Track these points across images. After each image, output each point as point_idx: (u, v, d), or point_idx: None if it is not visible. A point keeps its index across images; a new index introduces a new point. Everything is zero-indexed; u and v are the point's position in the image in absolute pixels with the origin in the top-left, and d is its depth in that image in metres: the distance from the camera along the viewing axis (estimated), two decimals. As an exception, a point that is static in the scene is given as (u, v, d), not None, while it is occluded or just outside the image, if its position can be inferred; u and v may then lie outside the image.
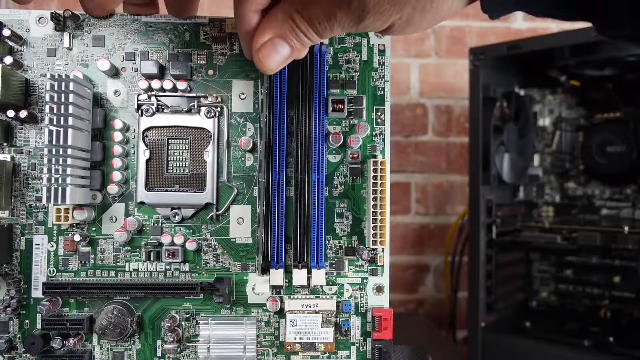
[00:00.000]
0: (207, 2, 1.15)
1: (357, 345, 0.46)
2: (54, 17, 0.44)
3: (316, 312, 0.44)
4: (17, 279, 0.44)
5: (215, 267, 0.45)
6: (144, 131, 0.45)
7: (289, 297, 0.45)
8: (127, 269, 0.45)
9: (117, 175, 0.44)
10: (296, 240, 0.44)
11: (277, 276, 0.44)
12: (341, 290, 0.46)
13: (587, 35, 0.77)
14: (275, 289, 0.45)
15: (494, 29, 1.23)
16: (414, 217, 1.23)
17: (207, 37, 0.46)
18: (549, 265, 1.01)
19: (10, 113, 0.42)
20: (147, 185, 0.45)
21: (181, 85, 0.45)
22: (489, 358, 0.87)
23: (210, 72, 0.46)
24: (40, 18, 0.45)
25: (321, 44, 0.44)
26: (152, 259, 0.45)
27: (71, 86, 0.40)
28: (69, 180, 0.40)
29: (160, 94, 0.45)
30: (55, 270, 0.44)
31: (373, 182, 0.43)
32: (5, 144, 0.44)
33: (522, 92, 1.00)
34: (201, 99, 0.45)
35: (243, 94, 0.46)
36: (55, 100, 0.40)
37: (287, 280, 0.45)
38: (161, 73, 0.45)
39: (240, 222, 0.45)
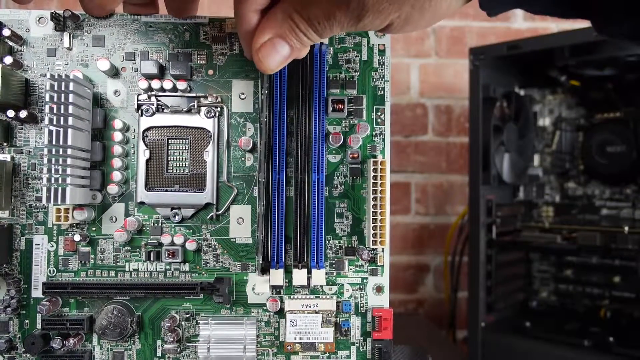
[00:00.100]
0: (207, 2, 1.15)
1: (357, 345, 0.46)
2: (54, 17, 0.44)
3: (316, 312, 0.44)
4: (17, 279, 0.44)
5: (215, 267, 0.45)
6: (144, 131, 0.45)
7: (289, 297, 0.45)
8: (127, 269, 0.45)
9: (117, 175, 0.44)
10: (296, 240, 0.44)
11: (277, 276, 0.44)
12: (341, 290, 0.46)
13: (587, 35, 0.77)
14: (275, 289, 0.45)
15: (494, 29, 1.23)
16: (414, 217, 1.23)
17: (207, 37, 0.46)
18: (549, 265, 1.01)
19: (10, 113, 0.42)
20: (147, 185, 0.45)
21: (181, 85, 0.45)
22: (489, 358, 0.87)
23: (210, 72, 0.46)
24: (40, 18, 0.45)
25: (321, 43, 0.44)
26: (152, 259, 0.45)
27: (71, 86, 0.40)
28: (69, 180, 0.40)
29: (160, 94, 0.45)
30: (55, 270, 0.44)
31: (373, 182, 0.43)
32: (5, 144, 0.44)
33: (522, 92, 1.00)
34: (201, 99, 0.45)
35: (243, 94, 0.46)
36: (55, 100, 0.40)
37: (287, 280, 0.45)
38: (161, 73, 0.45)
39: (240, 222, 0.45)
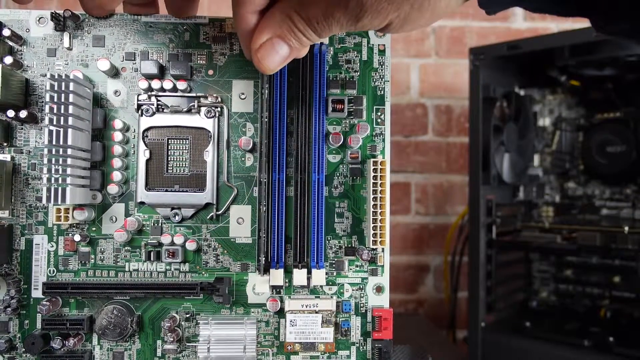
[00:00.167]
0: (207, 2, 1.15)
1: (357, 345, 0.46)
2: (54, 17, 0.44)
3: (316, 312, 0.44)
4: (17, 279, 0.44)
5: (215, 267, 0.45)
6: (144, 131, 0.45)
7: (289, 297, 0.45)
8: (127, 269, 0.45)
9: (117, 175, 0.44)
10: (296, 240, 0.44)
11: (277, 276, 0.44)
12: (341, 290, 0.46)
13: (587, 35, 0.77)
14: (275, 289, 0.45)
15: (494, 29, 1.23)
16: (414, 217, 1.23)
17: (207, 37, 0.46)
18: (549, 265, 1.01)
19: (10, 113, 0.42)
20: (147, 185, 0.45)
21: (181, 85, 0.45)
22: (489, 358, 0.87)
23: (210, 72, 0.46)
24: (40, 18, 0.45)
25: (321, 43, 0.44)
26: (152, 259, 0.45)
27: (71, 86, 0.40)
28: (69, 180, 0.40)
29: (160, 94, 0.45)
30: (55, 270, 0.44)
31: (373, 182, 0.43)
32: (5, 144, 0.44)
33: (522, 92, 1.00)
34: (201, 99, 0.45)
35: (243, 94, 0.46)
36: (55, 100, 0.40)
37: (287, 280, 0.45)
38: (161, 73, 0.45)
39: (240, 222, 0.45)
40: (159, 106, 0.45)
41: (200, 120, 0.45)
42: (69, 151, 0.40)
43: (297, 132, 0.44)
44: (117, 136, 0.45)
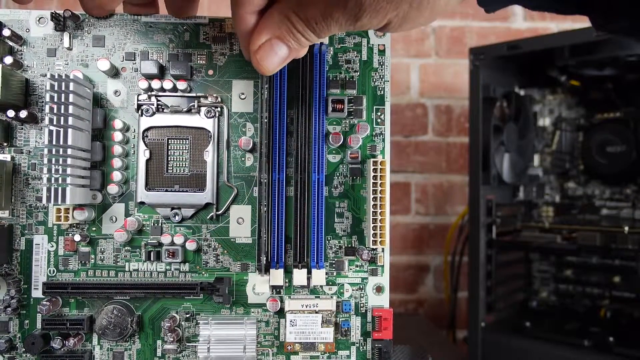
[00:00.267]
0: (207, 2, 1.15)
1: (357, 345, 0.46)
2: (54, 17, 0.44)
3: (316, 312, 0.44)
4: (17, 279, 0.44)
5: (215, 267, 0.45)
6: (144, 131, 0.45)
7: (289, 297, 0.45)
8: (127, 269, 0.45)
9: (117, 175, 0.44)
10: (296, 240, 0.44)
11: (277, 276, 0.44)
12: (341, 290, 0.46)
13: (587, 35, 0.77)
14: (275, 289, 0.45)
15: (494, 29, 1.23)
16: (414, 217, 1.23)
17: (207, 37, 0.46)
18: (549, 265, 1.01)
19: (10, 113, 0.42)
20: (147, 185, 0.45)
21: (181, 85, 0.45)
22: (489, 358, 0.87)
23: (210, 72, 0.46)
24: (40, 18, 0.45)
25: (321, 43, 0.44)
26: (152, 259, 0.45)
27: (71, 86, 0.40)
28: (69, 180, 0.40)
29: (160, 94, 0.45)
30: (55, 270, 0.44)
31: (373, 182, 0.43)
32: (5, 144, 0.44)
33: (522, 92, 1.00)
34: (201, 99, 0.45)
35: (243, 94, 0.46)
36: (55, 100, 0.40)
37: (287, 280, 0.45)
38: (161, 73, 0.45)
39: (240, 222, 0.45)
40: (159, 106, 0.45)
41: (200, 120, 0.45)
42: (69, 151, 0.40)
43: (297, 132, 0.44)
44: (117, 136, 0.45)
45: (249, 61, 0.39)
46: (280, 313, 0.45)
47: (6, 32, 0.43)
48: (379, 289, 0.46)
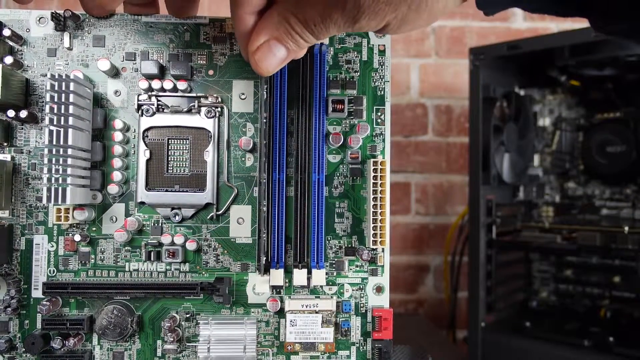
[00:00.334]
0: (207, 2, 1.15)
1: (357, 345, 0.46)
2: (54, 17, 0.44)
3: (316, 312, 0.44)
4: (17, 279, 0.44)
5: (215, 267, 0.45)
6: (144, 131, 0.45)
7: (289, 297, 0.45)
8: (127, 269, 0.45)
9: (117, 175, 0.44)
10: (296, 240, 0.44)
11: (277, 276, 0.44)
12: (341, 290, 0.46)
13: (587, 35, 0.77)
14: (275, 289, 0.45)
15: (494, 29, 1.23)
16: (414, 217, 1.23)
17: (208, 37, 0.46)
18: (549, 265, 1.01)
19: (11, 113, 0.42)
20: (147, 185, 0.45)
21: (181, 85, 0.45)
22: (489, 358, 0.87)
23: (211, 72, 0.46)
24: (40, 18, 0.45)
25: (321, 44, 0.44)
26: (152, 259, 0.45)
27: (71, 86, 0.40)
28: (69, 180, 0.40)
29: (161, 94, 0.45)
30: (55, 270, 0.44)
31: (373, 182, 0.43)
32: (5, 144, 0.44)
33: (522, 92, 1.00)
34: (201, 99, 0.45)
35: (243, 94, 0.46)
36: (56, 100, 0.40)
37: (287, 280, 0.45)
38: (161, 73, 0.45)
39: (241, 222, 0.45)
40: (159, 106, 0.45)
41: (200, 120, 0.45)
42: (69, 151, 0.40)
43: (297, 132, 0.44)
44: (118, 136, 0.45)
45: (248, 61, 0.39)
46: (280, 313, 0.45)
47: (6, 32, 0.43)
48: (379, 289, 0.46)
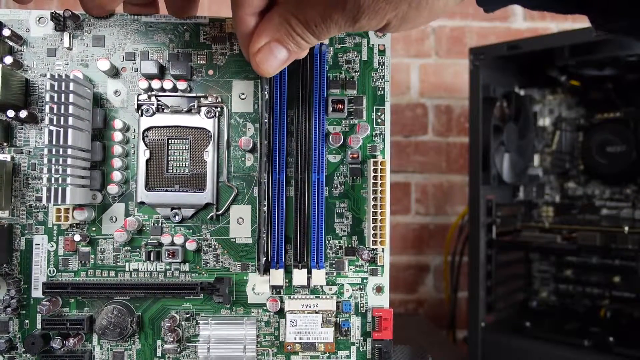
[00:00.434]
0: (207, 2, 1.15)
1: (357, 345, 0.46)
2: (54, 17, 0.44)
3: (316, 312, 0.44)
4: (17, 279, 0.44)
5: (215, 267, 0.45)
6: (144, 131, 0.45)
7: (289, 297, 0.45)
8: (127, 269, 0.45)
9: (117, 175, 0.44)
10: (296, 240, 0.44)
11: (277, 276, 0.44)
12: (341, 290, 0.46)
13: (587, 35, 0.77)
14: (275, 289, 0.45)
15: (494, 29, 1.23)
16: (414, 217, 1.23)
17: (207, 37, 0.46)
18: (549, 265, 1.01)
19: (10, 113, 0.42)
20: (147, 185, 0.45)
21: (181, 85, 0.45)
22: (489, 358, 0.87)
23: (211, 72, 0.46)
24: (40, 18, 0.45)
25: (321, 44, 0.44)
26: (152, 259, 0.45)
27: (71, 86, 0.40)
28: (69, 180, 0.40)
29: (161, 94, 0.45)
30: (55, 270, 0.44)
31: (373, 182, 0.43)
32: (5, 144, 0.44)
33: (522, 92, 1.00)
34: (201, 99, 0.45)
35: (243, 94, 0.46)
36: (55, 100, 0.40)
37: (287, 280, 0.45)
38: (161, 73, 0.45)
39: (241, 222, 0.45)
40: (159, 106, 0.45)
41: (200, 120, 0.45)
42: (69, 151, 0.40)
43: (297, 132, 0.44)
44: (117, 136, 0.45)
45: (249, 62, 0.39)
46: (280, 313, 0.45)
47: (6, 32, 0.43)
48: (379, 289, 0.46)
